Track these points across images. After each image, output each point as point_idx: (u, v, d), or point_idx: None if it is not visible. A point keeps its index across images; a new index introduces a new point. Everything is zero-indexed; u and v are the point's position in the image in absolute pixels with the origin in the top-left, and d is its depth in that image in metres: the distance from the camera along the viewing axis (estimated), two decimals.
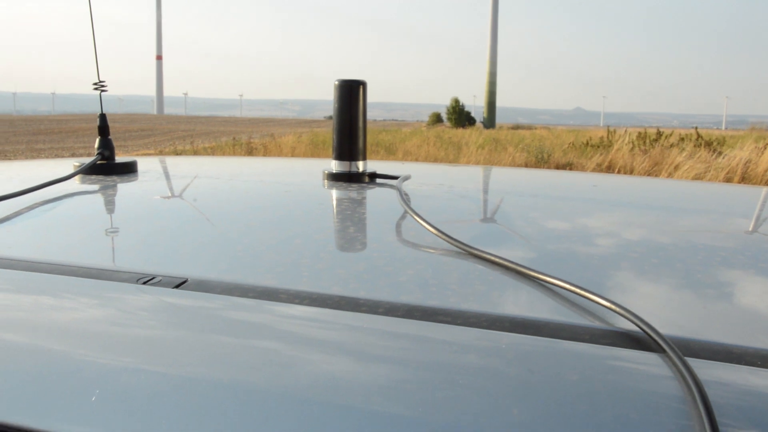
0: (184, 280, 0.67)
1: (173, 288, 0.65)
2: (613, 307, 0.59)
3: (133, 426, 0.41)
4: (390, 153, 15.93)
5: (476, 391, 0.45)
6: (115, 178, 1.40)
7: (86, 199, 1.20)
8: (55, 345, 0.53)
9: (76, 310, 0.62)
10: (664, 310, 0.64)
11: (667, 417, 0.42)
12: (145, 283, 0.66)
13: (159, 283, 0.66)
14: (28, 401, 0.43)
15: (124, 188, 1.29)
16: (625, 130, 15.66)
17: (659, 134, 14.53)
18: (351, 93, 1.41)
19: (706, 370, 0.48)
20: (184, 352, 0.51)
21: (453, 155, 15.31)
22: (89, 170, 1.41)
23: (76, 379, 0.46)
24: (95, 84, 1.45)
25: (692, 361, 0.49)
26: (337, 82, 1.41)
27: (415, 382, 0.46)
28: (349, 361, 0.50)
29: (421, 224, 0.92)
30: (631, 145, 13.96)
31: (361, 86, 1.42)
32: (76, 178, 1.37)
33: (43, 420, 0.41)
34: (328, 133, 22.18)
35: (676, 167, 11.65)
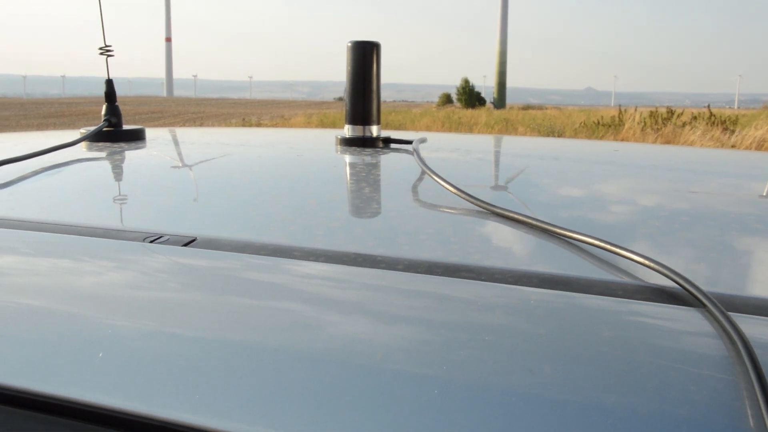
0: (193, 238, 0.64)
1: (182, 246, 0.62)
2: (646, 262, 0.56)
3: (140, 388, 0.38)
4: None
5: (504, 350, 0.42)
6: (122, 144, 1.37)
7: (92, 164, 1.17)
8: (58, 305, 0.50)
9: (80, 270, 0.60)
10: (700, 265, 0.61)
11: (710, 374, 0.39)
12: (152, 241, 0.64)
13: (167, 242, 0.63)
14: (33, 363, 0.41)
15: (132, 154, 1.26)
16: (636, 109, 15.52)
17: (671, 113, 14.39)
18: (365, 55, 1.37)
19: (751, 325, 0.45)
20: (193, 311, 0.48)
21: None
22: (96, 137, 1.38)
23: (81, 339, 0.44)
24: (101, 48, 1.41)
25: (735, 317, 0.45)
26: (350, 44, 1.37)
27: (439, 341, 0.44)
28: (368, 319, 0.47)
29: (441, 184, 0.88)
30: (642, 124, 13.85)
31: (375, 48, 1.38)
32: (83, 144, 1.34)
33: (47, 383, 0.39)
34: (337, 114, 22.16)
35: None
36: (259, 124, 18.63)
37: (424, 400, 0.37)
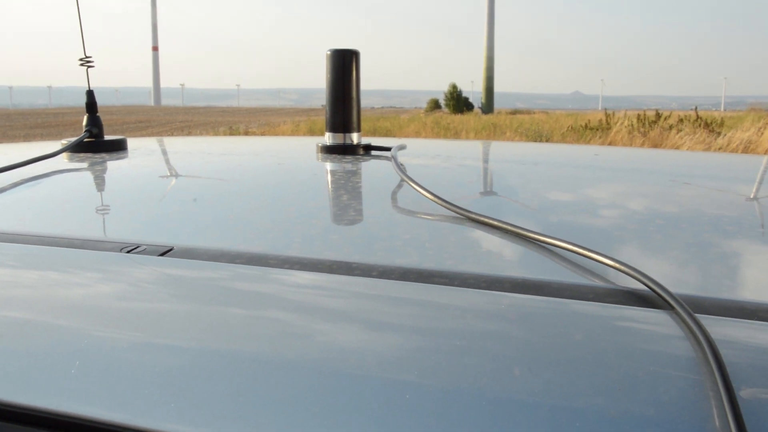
0: (169, 248, 0.65)
1: (158, 256, 0.62)
2: (617, 266, 0.56)
3: (118, 398, 0.38)
4: None
5: (475, 354, 0.42)
6: (103, 155, 1.36)
7: (72, 175, 1.17)
8: (34, 316, 0.50)
9: (57, 281, 0.59)
10: (671, 268, 0.62)
11: (677, 375, 0.39)
12: (129, 252, 0.64)
13: (144, 252, 0.63)
14: (9, 373, 0.41)
15: (113, 164, 1.26)
16: (624, 113, 15.60)
17: (658, 116, 14.47)
18: (344, 63, 1.38)
19: (717, 327, 0.45)
20: (169, 320, 0.49)
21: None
22: (77, 148, 1.38)
23: (58, 349, 0.44)
24: (81, 59, 1.41)
25: (702, 318, 0.46)
26: (329, 52, 1.38)
27: (411, 346, 0.44)
28: (342, 325, 0.48)
29: (417, 190, 0.89)
30: (630, 128, 13.91)
31: (354, 56, 1.38)
32: (64, 155, 1.33)
33: (24, 393, 0.39)
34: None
35: (675, 149, 11.61)
36: (246, 133, 18.61)
37: (396, 404, 0.37)
